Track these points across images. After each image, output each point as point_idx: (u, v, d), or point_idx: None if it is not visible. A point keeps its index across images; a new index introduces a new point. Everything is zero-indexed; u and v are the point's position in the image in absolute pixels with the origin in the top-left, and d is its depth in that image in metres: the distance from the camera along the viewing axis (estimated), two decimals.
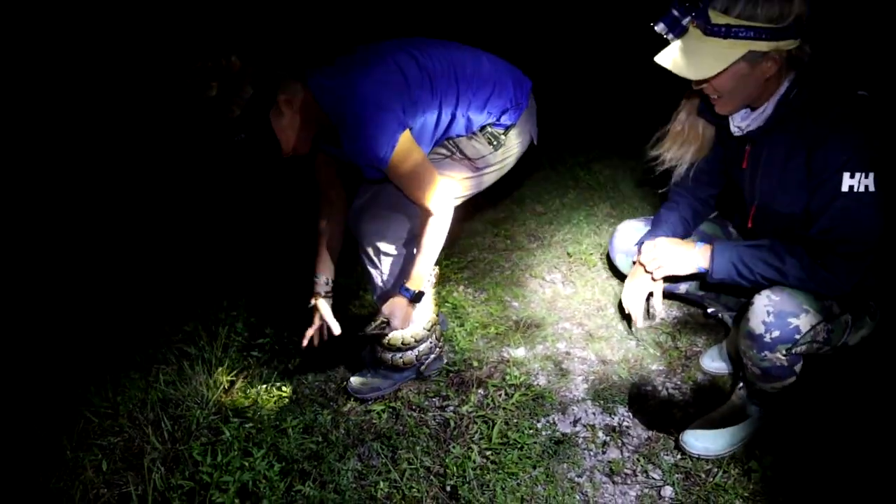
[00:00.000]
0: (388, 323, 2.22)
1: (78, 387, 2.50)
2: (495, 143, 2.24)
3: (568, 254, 3.29)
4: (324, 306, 2.35)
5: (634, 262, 2.14)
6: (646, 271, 2.01)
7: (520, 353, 2.62)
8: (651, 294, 2.08)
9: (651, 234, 2.15)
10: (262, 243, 3.47)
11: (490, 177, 2.35)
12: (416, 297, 2.22)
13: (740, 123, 1.88)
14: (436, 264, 2.34)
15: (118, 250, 3.33)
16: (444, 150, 2.26)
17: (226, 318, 2.84)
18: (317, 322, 2.36)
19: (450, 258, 3.26)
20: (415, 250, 2.22)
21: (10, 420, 2.35)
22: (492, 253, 3.38)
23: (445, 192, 2.15)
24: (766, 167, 1.85)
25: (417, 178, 2.04)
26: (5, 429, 2.32)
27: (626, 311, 2.13)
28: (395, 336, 2.35)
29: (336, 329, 2.32)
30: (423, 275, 2.21)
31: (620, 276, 2.17)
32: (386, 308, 2.22)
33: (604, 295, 2.96)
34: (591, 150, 4.26)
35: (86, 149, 3.57)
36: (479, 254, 3.36)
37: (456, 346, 2.67)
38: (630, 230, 2.31)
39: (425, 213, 2.14)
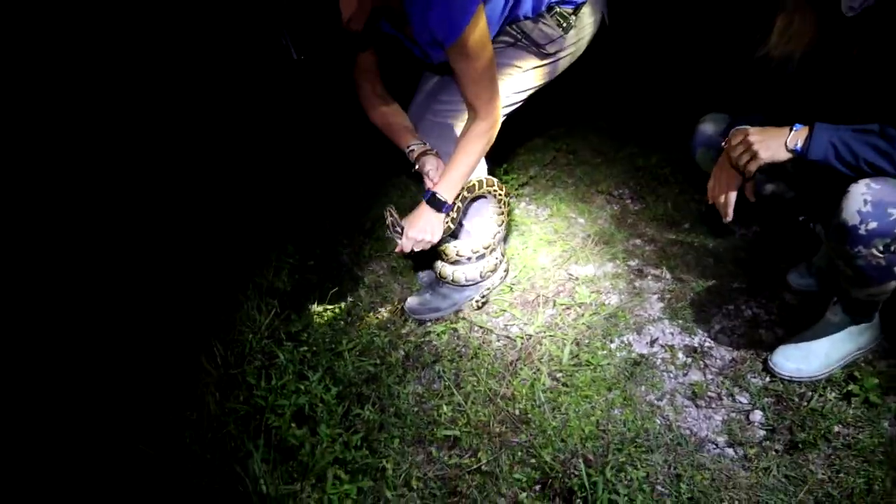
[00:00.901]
0: (401, 230, 2.06)
1: (127, 313, 2.43)
2: (565, 24, 1.99)
3: (636, 168, 3.07)
4: (431, 161, 2.09)
5: (721, 153, 1.92)
6: (734, 165, 1.78)
7: (588, 270, 2.46)
8: (741, 187, 1.85)
9: (738, 123, 1.91)
10: (308, 163, 3.33)
11: (562, 63, 2.11)
12: (433, 202, 2.01)
13: (853, 2, 1.62)
14: (496, 177, 2.17)
15: (166, 174, 3.23)
16: (507, 38, 2.02)
17: (275, 240, 2.73)
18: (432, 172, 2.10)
19: (509, 174, 3.08)
20: (453, 154, 2.01)
21: (64, 343, 2.30)
22: (553, 168, 3.18)
23: (499, 99, 1.94)
24: (883, 50, 1.60)
25: (481, 65, 1.82)
26: (60, 352, 2.27)
27: (713, 202, 1.90)
28: (463, 246, 2.22)
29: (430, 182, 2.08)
30: (454, 182, 2.01)
31: (701, 179, 1.96)
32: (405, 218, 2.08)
33: (677, 210, 2.75)
34: (661, 53, 3.84)
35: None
36: (541, 170, 3.17)
37: (519, 263, 2.51)
38: (714, 123, 2.08)
39: (473, 115, 1.94)
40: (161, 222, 2.95)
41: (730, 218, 1.83)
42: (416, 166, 2.10)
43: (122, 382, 2.17)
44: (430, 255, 2.32)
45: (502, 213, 2.28)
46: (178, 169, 3.21)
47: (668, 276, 2.40)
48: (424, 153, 2.09)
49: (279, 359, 2.14)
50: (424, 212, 2.02)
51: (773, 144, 1.67)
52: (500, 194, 2.23)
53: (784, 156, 1.66)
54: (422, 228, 2.02)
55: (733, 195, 1.81)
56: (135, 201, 3.02)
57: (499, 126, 1.99)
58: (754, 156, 1.69)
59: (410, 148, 2.12)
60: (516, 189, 2.99)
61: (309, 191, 3.11)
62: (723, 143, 1.87)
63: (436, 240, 2.06)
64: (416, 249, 2.07)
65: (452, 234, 2.27)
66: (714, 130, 2.04)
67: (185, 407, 2.09)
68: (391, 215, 2.08)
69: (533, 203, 2.92)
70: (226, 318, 2.38)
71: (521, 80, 2.05)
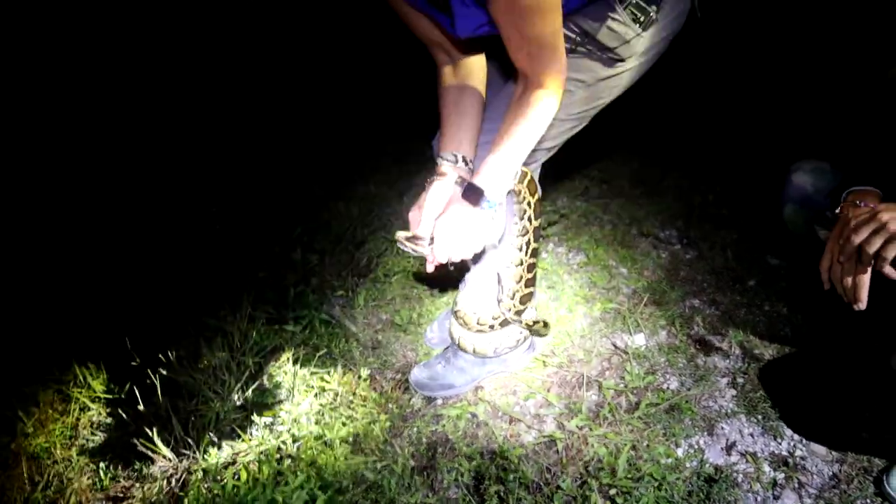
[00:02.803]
0: (427, 242, 1.54)
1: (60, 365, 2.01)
2: (643, 19, 1.49)
3: (685, 203, 2.65)
4: (435, 191, 1.58)
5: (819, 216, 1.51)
6: (857, 248, 1.36)
7: (639, 341, 2.04)
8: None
9: (852, 182, 1.50)
10: (291, 185, 2.90)
11: (638, 70, 1.62)
12: (470, 194, 1.48)
13: None
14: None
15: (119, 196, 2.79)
16: (565, 42, 1.47)
17: (252, 282, 2.29)
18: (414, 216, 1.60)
19: None
20: (498, 134, 1.47)
21: None
22: (586, 201, 2.77)
23: (565, 64, 1.43)
24: None
25: (543, 21, 1.30)
26: None
27: (830, 286, 1.47)
28: (483, 312, 1.78)
29: (413, 228, 1.58)
30: (501, 171, 1.47)
31: (786, 235, 1.55)
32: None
33: (740, 262, 2.35)
34: (724, 61, 3.29)
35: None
36: (571, 202, 2.75)
37: (552, 328, 2.08)
38: (813, 175, 1.67)
39: (531, 84, 1.41)
40: (110, 246, 2.53)
41: (863, 305, 1.39)
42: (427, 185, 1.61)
43: (48, 458, 1.80)
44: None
45: (529, 248, 1.73)
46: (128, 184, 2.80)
47: (738, 351, 1.99)
48: (437, 176, 1.59)
49: (249, 450, 1.71)
50: (459, 208, 1.50)
51: None
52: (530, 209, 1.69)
53: None
54: (457, 229, 1.49)
55: (866, 277, 1.38)
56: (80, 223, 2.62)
57: (560, 97, 1.46)
58: (893, 237, 1.28)
59: (438, 161, 1.62)
60: (543, 228, 2.56)
61: (293, 220, 2.66)
62: (832, 212, 1.47)
63: (477, 245, 1.52)
64: (453, 260, 1.53)
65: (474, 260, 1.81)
66: (813, 186, 1.64)
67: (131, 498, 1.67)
68: (404, 239, 1.55)
69: (563, 245, 2.49)
70: (183, 377, 1.96)
71: (585, 97, 1.58)
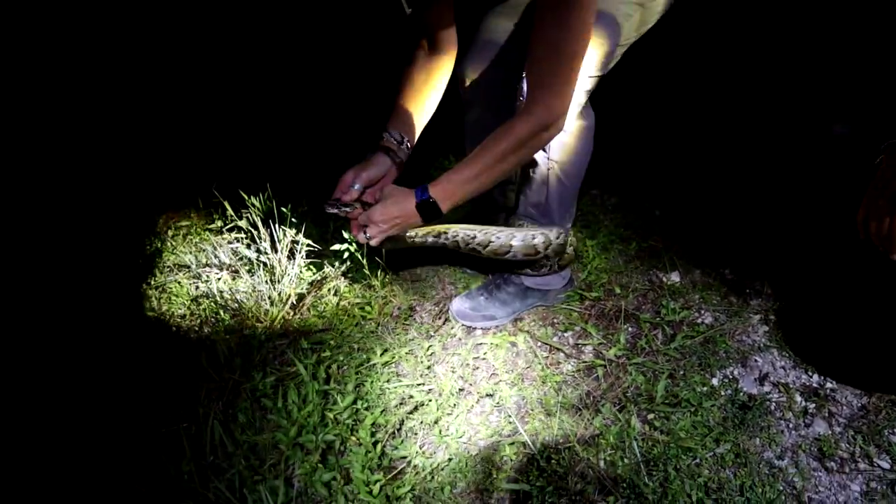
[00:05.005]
0: (360, 205, 1.70)
1: (112, 295, 2.09)
2: None
3: (723, 149, 2.70)
4: (378, 162, 1.74)
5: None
6: (893, 192, 1.42)
7: (674, 278, 2.12)
8: None
9: (885, 135, 1.55)
10: (324, 122, 2.95)
11: (664, 4, 1.65)
12: (425, 208, 1.56)
13: None
14: None
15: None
16: None
17: (290, 214, 2.36)
18: (351, 175, 1.74)
19: None
20: (478, 153, 1.51)
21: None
22: (621, 144, 2.80)
23: (571, 96, 1.45)
24: None
25: (579, 28, 1.34)
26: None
27: (866, 236, 1.54)
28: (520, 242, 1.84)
29: (342, 188, 1.73)
30: (459, 192, 1.54)
31: (819, 180, 1.61)
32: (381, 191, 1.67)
33: (774, 203, 2.40)
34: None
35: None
36: (605, 144, 2.78)
37: (588, 264, 2.17)
38: (850, 127, 1.72)
39: (529, 104, 1.44)
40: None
41: None
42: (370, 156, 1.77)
43: (101, 374, 1.88)
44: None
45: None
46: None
47: (770, 290, 2.06)
48: (383, 150, 1.76)
49: (300, 372, 1.80)
50: (407, 206, 1.58)
51: None
52: None
53: None
54: (395, 221, 1.61)
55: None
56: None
57: (557, 133, 1.51)
58: None
59: (382, 136, 1.77)
60: None
61: (327, 160, 2.72)
62: (876, 161, 1.51)
63: (399, 244, 1.75)
64: (371, 244, 1.67)
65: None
66: (852, 137, 1.69)
67: (179, 417, 1.76)
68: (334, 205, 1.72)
69: (597, 187, 2.55)
70: (228, 303, 2.06)
71: (638, 21, 1.62)
